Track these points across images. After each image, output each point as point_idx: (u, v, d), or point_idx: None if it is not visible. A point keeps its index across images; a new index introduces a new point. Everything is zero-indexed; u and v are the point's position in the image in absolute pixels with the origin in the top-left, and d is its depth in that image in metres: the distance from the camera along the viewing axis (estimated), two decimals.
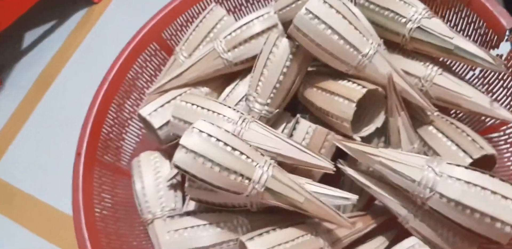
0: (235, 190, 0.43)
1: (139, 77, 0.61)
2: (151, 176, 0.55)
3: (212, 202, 0.48)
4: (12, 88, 1.00)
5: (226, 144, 0.42)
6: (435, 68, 0.48)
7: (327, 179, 0.48)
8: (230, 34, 0.53)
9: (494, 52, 0.49)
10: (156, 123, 0.54)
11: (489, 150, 0.45)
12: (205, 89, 0.56)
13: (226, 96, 0.55)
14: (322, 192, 0.44)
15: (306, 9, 0.43)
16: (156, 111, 0.54)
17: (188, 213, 0.48)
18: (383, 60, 0.46)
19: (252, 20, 0.53)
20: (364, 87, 0.45)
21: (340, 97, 0.46)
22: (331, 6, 0.44)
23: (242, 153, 0.42)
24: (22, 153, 0.91)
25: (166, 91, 0.56)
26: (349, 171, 0.46)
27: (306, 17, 0.44)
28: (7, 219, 0.82)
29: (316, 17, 0.43)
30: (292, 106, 0.54)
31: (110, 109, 0.58)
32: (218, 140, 0.42)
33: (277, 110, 0.50)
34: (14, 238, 0.79)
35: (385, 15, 0.49)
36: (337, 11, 0.44)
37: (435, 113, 0.49)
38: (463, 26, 0.53)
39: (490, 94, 0.51)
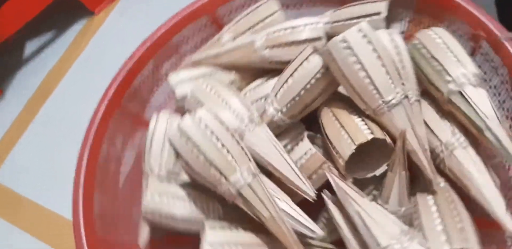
0: (211, 182, 0.44)
1: (183, 44, 0.61)
2: (162, 134, 0.57)
3: (197, 180, 0.49)
4: (12, 97, 1.01)
5: (218, 139, 0.42)
6: (462, 139, 0.44)
7: (314, 202, 0.46)
8: (274, 32, 0.52)
9: None
10: (178, 94, 0.55)
11: (472, 245, 0.41)
12: (235, 76, 0.56)
13: (252, 89, 0.54)
14: (292, 215, 0.44)
15: (343, 37, 0.40)
16: (182, 82, 0.55)
17: (176, 182, 0.50)
18: (404, 114, 0.42)
19: (299, 26, 0.51)
20: (372, 133, 0.42)
21: (346, 133, 0.44)
22: (369, 42, 0.40)
23: (229, 152, 0.42)
24: (24, 159, 0.92)
25: (200, 65, 0.56)
26: (330, 205, 0.45)
27: (340, 45, 0.41)
28: (9, 224, 0.84)
29: (350, 48, 0.40)
30: (311, 120, 0.52)
31: (148, 64, 0.59)
32: (212, 133, 0.43)
33: (291, 120, 0.49)
34: (16, 243, 0.81)
35: (432, 66, 0.45)
36: (374, 49, 0.41)
37: (442, 184, 0.45)
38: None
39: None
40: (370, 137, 0.42)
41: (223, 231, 0.44)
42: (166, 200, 0.48)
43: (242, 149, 0.44)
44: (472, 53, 0.48)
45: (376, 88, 0.41)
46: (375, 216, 0.41)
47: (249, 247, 0.44)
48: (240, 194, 0.43)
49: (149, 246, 0.56)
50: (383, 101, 0.42)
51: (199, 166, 0.43)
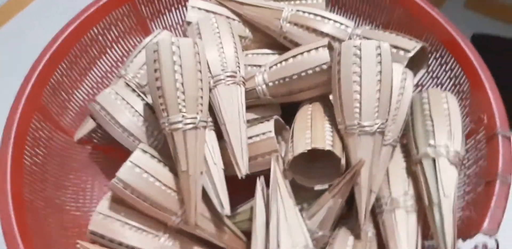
0: (155, 110, 0.42)
1: None
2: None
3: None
4: None
5: (182, 74, 0.40)
6: (410, 203, 0.42)
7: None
8: (304, 12, 0.49)
9: None
10: (188, 17, 0.53)
11: None
12: (248, 34, 0.53)
13: (255, 54, 0.52)
14: (215, 182, 0.41)
15: (360, 44, 0.39)
16: (199, 9, 0.53)
17: (139, 97, 0.48)
18: (371, 146, 0.40)
19: (330, 19, 0.48)
20: (333, 146, 0.40)
21: (310, 133, 0.42)
22: (380, 63, 0.39)
23: (184, 93, 0.40)
24: None
25: (224, 6, 0.54)
26: (258, 193, 0.42)
27: (353, 50, 0.39)
28: None
29: (360, 58, 0.39)
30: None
31: None
32: (180, 66, 0.40)
33: (271, 98, 0.47)
34: None
35: (425, 124, 0.43)
36: (380, 72, 0.39)
37: (370, 233, 0.43)
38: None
39: None
40: (328, 148, 0.40)
41: (152, 159, 0.43)
42: (119, 103, 0.47)
43: (201, 97, 0.41)
44: (469, 135, 0.46)
45: (360, 107, 0.39)
46: (291, 222, 0.40)
47: (164, 188, 0.42)
48: (171, 135, 0.41)
49: (85, 143, 0.55)
50: (358, 124, 0.39)
51: (153, 88, 0.41)
